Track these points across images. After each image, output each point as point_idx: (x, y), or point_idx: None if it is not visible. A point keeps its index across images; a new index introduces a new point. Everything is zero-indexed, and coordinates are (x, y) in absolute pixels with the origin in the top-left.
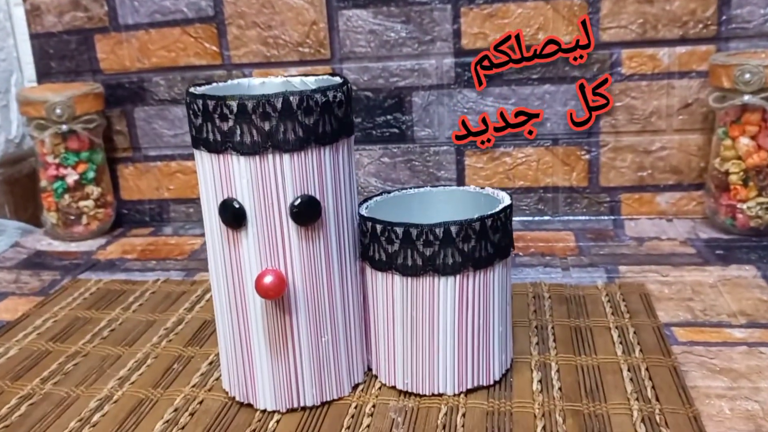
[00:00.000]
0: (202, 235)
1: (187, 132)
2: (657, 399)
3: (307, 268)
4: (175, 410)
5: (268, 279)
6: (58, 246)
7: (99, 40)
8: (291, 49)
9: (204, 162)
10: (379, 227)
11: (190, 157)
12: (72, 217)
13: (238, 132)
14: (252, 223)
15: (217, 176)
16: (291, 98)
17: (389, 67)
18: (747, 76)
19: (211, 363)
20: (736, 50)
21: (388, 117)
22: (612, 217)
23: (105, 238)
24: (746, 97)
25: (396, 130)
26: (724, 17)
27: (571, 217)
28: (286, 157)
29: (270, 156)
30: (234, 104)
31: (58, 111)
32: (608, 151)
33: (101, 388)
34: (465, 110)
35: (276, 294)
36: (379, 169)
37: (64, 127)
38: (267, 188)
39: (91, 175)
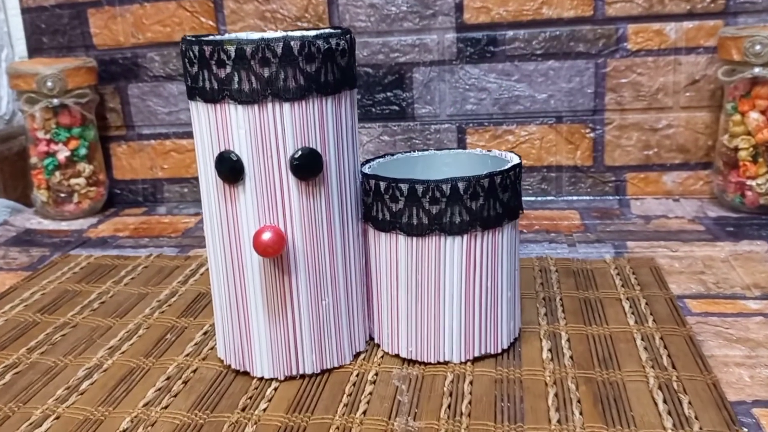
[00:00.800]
0: (197, 214)
1: (182, 109)
2: (674, 367)
3: (307, 226)
4: (168, 378)
5: (267, 235)
6: (49, 225)
7: (92, 14)
8: (289, 23)
9: (200, 113)
10: (383, 184)
11: (185, 135)
12: (63, 195)
13: (236, 79)
14: (250, 177)
15: (214, 128)
16: (292, 43)
17: (389, 42)
18: (758, 47)
19: (205, 333)
20: (744, 25)
21: (388, 94)
22: (617, 197)
23: (96, 218)
24: (756, 70)
25: (396, 108)
26: None
27: (575, 197)
28: (286, 106)
29: (269, 105)
30: (232, 49)
31: (49, 84)
32: (613, 129)
33: (90, 358)
34: (467, 87)
35: (275, 251)
36: (379, 147)
37: (56, 101)
38: (266, 140)
39: (83, 151)
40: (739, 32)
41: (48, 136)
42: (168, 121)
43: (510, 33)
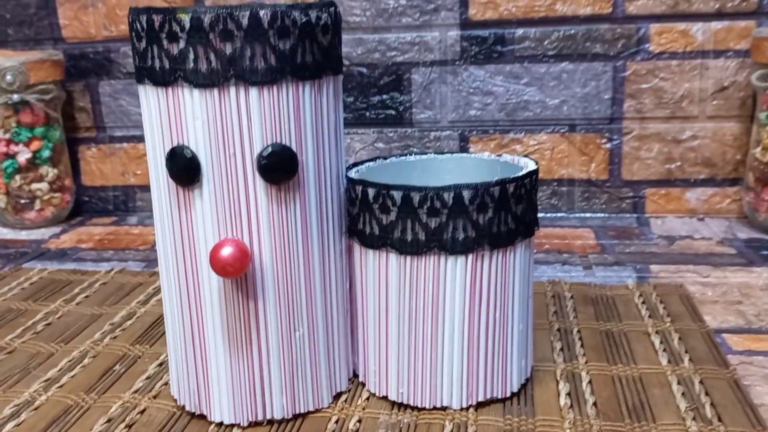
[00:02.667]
0: None
1: None
2: (719, 419)
3: (278, 240)
4: (109, 420)
5: (227, 251)
6: (6, 234)
7: (61, 3)
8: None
9: (149, 99)
10: (371, 192)
11: None
12: (23, 201)
13: (191, 57)
14: (208, 178)
15: (165, 117)
16: (261, 13)
17: (386, 39)
18: None
19: (161, 364)
20: None
21: (384, 96)
22: (635, 215)
23: (60, 227)
24: None
25: (392, 112)
26: None
27: (588, 214)
28: (253, 91)
29: (232, 89)
30: (186, 18)
31: (8, 77)
32: (632, 139)
33: (22, 392)
34: (471, 90)
35: (237, 271)
36: (373, 155)
37: (15, 97)
38: (228, 133)
39: (46, 153)
40: None
41: (7, 136)
42: (142, 122)
43: (520, 31)
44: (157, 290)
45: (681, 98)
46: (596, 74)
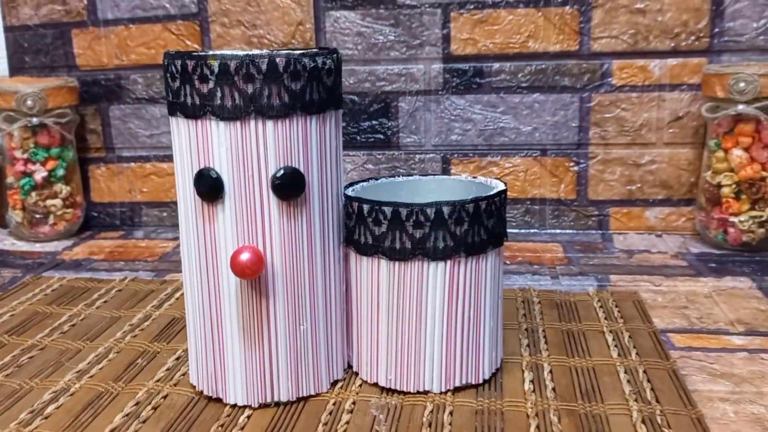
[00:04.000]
0: (175, 238)
1: (163, 132)
2: (657, 401)
3: (287, 247)
4: (137, 404)
5: (245, 256)
6: (23, 246)
7: (76, 34)
8: (276, 49)
9: (180, 130)
10: (366, 207)
11: (166, 158)
12: (38, 216)
13: (219, 95)
14: (230, 195)
15: (194, 144)
16: (277, 60)
17: (376, 70)
18: (742, 84)
19: (178, 358)
20: (728, 63)
21: (374, 122)
22: (600, 231)
23: (71, 240)
24: (740, 107)
25: (381, 136)
26: (716, 30)
27: (558, 230)
28: (269, 123)
29: (252, 122)
30: (215, 64)
31: (29, 102)
32: (597, 163)
33: (57, 381)
34: (452, 117)
35: (253, 273)
36: (363, 175)
37: (35, 120)
38: (248, 157)
39: (60, 172)
40: (723, 69)
41: (26, 156)
42: (149, 144)
43: (496, 65)
44: (169, 296)
45: (640, 126)
46: (565, 104)
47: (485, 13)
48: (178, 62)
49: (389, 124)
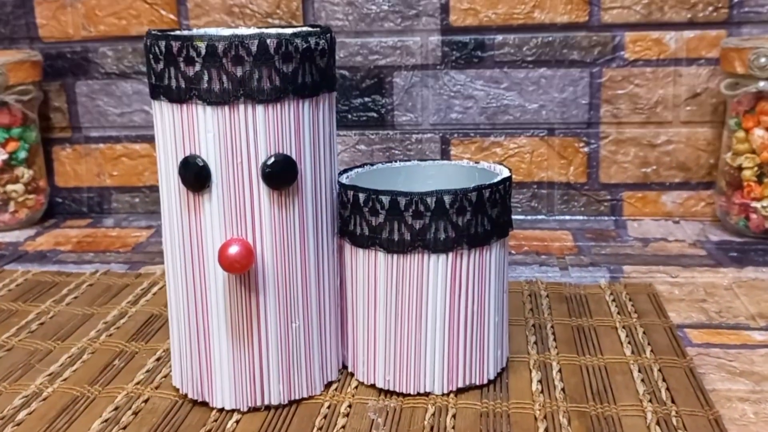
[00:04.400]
0: (149, 227)
1: (135, 111)
2: (673, 401)
3: (278, 239)
4: (116, 408)
5: (234, 249)
6: None
7: (39, 3)
8: (259, 19)
9: (164, 114)
10: (362, 196)
11: (138, 139)
12: None
13: (206, 78)
14: (217, 184)
15: (179, 130)
16: (268, 41)
17: (368, 43)
18: (763, 60)
19: (158, 359)
20: (748, 35)
21: (366, 99)
22: (613, 218)
23: (34, 229)
24: (761, 84)
25: (374, 115)
26: (736, 0)
27: (568, 217)
28: (259, 108)
29: (241, 107)
30: (203, 45)
31: None
32: (609, 143)
33: (28, 384)
34: (452, 94)
35: (242, 267)
36: (354, 157)
37: None
38: (236, 144)
39: (22, 155)
40: (743, 43)
41: None
42: (120, 123)
43: (499, 37)
44: (145, 291)
45: (655, 104)
46: (574, 80)
47: None
48: (162, 43)
49: (383, 101)
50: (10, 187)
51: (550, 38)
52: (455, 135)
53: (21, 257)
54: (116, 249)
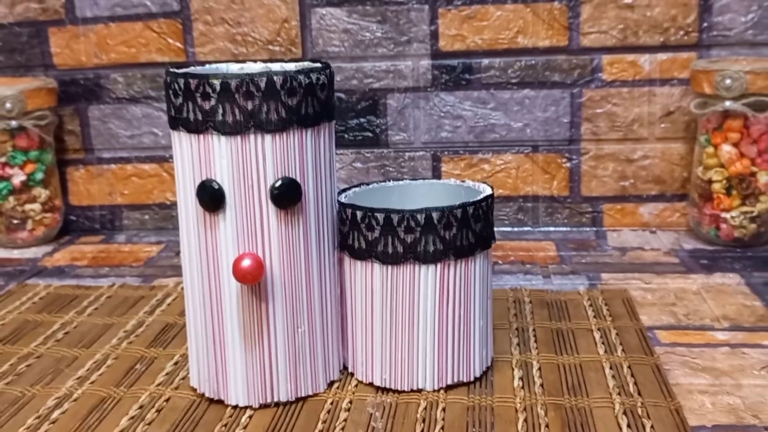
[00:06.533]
0: (158, 243)
1: (145, 133)
2: (639, 393)
3: (285, 253)
4: (141, 407)
5: (246, 262)
6: (0, 252)
7: (53, 33)
8: (260, 47)
9: (182, 143)
10: (359, 213)
11: (148, 159)
12: (16, 222)
13: (220, 111)
14: (230, 205)
15: (196, 157)
16: (275, 78)
17: (363, 67)
18: (728, 81)
19: (176, 363)
20: (717, 57)
21: (362, 120)
22: (594, 228)
23: (51, 246)
24: (728, 103)
25: (369, 134)
26: (705, 24)
27: (552, 228)
28: (267, 137)
29: (251, 136)
30: (217, 83)
31: (8, 105)
32: (590, 159)
33: (59, 387)
34: (442, 114)
35: (254, 278)
36: (351, 174)
37: (14, 123)
38: (247, 169)
39: (39, 176)
40: (710, 66)
41: (3, 160)
42: (130, 144)
43: (486, 61)
44: (160, 302)
45: (632, 122)
46: (555, 100)
47: (473, 9)
48: (181, 80)
49: (378, 121)
50: (28, 207)
51: (533, 61)
52: (445, 152)
53: (41, 272)
54: (129, 263)
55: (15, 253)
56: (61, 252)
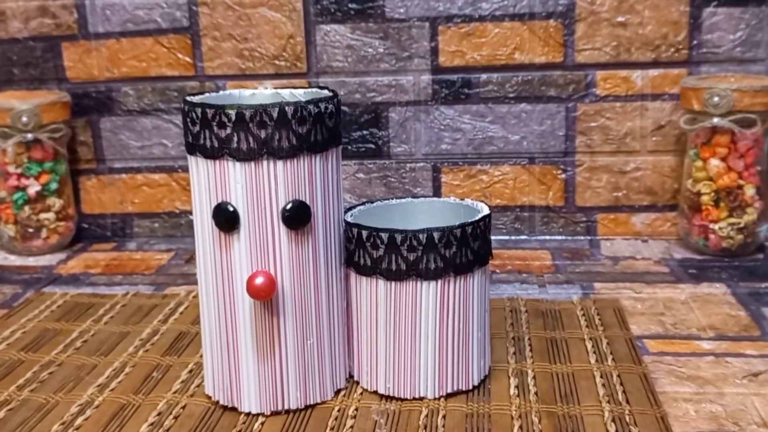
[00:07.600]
0: (169, 250)
1: (155, 144)
2: (627, 402)
3: (295, 271)
4: (159, 414)
5: (260, 280)
6: (15, 260)
7: (66, 47)
8: (267, 61)
9: (199, 168)
10: (365, 233)
11: (158, 170)
12: (31, 230)
13: (236, 139)
14: (245, 226)
15: (212, 181)
16: (286, 108)
17: (366, 82)
18: (716, 99)
19: (191, 371)
20: (706, 74)
21: (364, 132)
22: (588, 237)
23: (65, 253)
24: (715, 120)
25: (372, 146)
26: (695, 42)
27: (547, 237)
28: (279, 163)
29: (264, 162)
30: (233, 113)
31: (24, 119)
32: (584, 170)
33: (81, 395)
34: (442, 127)
35: (266, 295)
36: (354, 184)
37: (30, 136)
38: (260, 193)
39: (53, 186)
40: (699, 83)
41: (19, 171)
42: (140, 155)
43: (484, 76)
44: (173, 311)
45: (625, 135)
46: (551, 114)
47: (472, 27)
48: (198, 110)
49: (380, 134)
50: (42, 216)
51: (530, 77)
52: (445, 164)
53: (56, 280)
54: (141, 271)
55: (30, 261)
56: (75, 259)
